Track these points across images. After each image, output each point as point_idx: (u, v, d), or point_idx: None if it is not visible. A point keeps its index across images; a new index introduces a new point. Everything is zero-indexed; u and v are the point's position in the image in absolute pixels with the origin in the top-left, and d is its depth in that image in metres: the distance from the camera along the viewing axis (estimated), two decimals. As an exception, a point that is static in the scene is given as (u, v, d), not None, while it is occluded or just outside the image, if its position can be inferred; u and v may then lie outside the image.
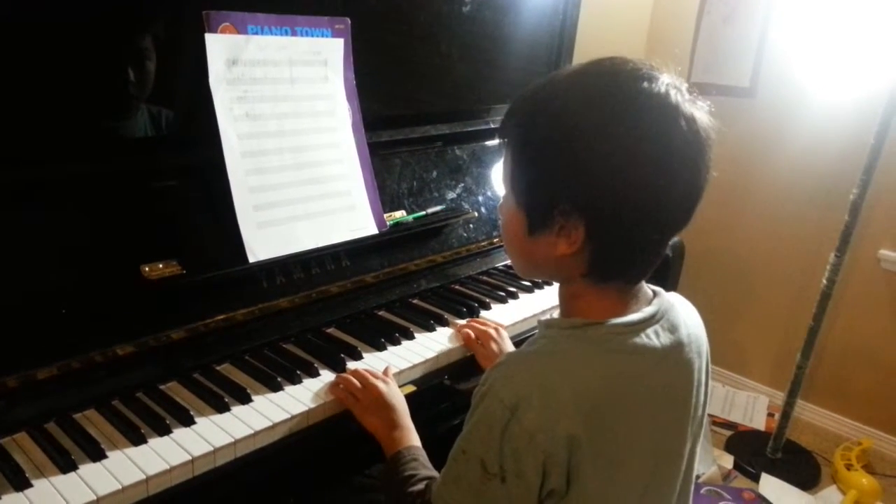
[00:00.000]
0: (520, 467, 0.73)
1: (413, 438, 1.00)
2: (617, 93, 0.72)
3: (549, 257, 0.77)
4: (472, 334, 1.25)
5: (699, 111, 0.73)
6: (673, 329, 0.81)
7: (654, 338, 0.79)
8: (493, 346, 1.22)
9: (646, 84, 0.71)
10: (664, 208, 0.73)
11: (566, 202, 0.73)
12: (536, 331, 0.83)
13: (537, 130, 0.75)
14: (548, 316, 0.86)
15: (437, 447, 0.95)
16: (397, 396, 1.05)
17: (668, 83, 0.72)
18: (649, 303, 0.82)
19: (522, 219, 0.78)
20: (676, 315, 0.83)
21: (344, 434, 1.03)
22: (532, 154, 0.76)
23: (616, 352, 0.77)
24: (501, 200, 0.84)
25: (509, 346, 1.24)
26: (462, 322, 1.30)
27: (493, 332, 1.25)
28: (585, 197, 0.72)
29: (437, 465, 0.88)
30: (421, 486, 0.89)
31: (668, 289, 0.86)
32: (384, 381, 1.06)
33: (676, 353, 0.81)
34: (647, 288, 0.84)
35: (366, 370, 1.09)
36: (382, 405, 1.02)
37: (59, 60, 1.04)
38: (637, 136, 0.70)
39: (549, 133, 0.74)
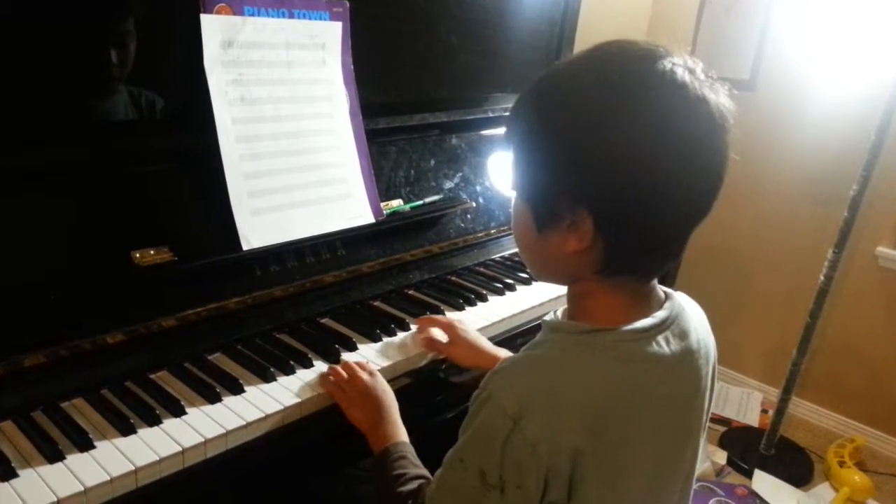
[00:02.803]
0: (521, 479, 0.70)
1: (400, 434, 0.97)
2: (623, 76, 0.68)
3: (560, 255, 0.74)
4: (431, 336, 1.17)
5: (715, 93, 0.70)
6: (683, 335, 0.78)
7: (664, 345, 0.75)
8: (466, 336, 1.15)
9: (653, 67, 0.68)
10: (678, 196, 0.69)
11: (570, 194, 0.70)
12: (539, 333, 0.80)
13: (539, 120, 0.72)
14: (550, 315, 0.82)
15: (432, 440, 0.93)
16: (383, 390, 1.02)
17: (679, 64, 0.68)
18: (661, 305, 0.78)
19: (530, 215, 0.75)
20: (687, 320, 0.79)
21: (337, 425, 1.01)
22: (534, 145, 0.73)
23: (625, 361, 0.73)
24: (513, 200, 0.80)
25: (477, 334, 1.17)
26: (457, 314, 1.27)
27: (457, 323, 1.18)
28: (590, 187, 0.69)
29: (430, 458, 0.86)
30: (412, 485, 0.87)
31: (665, 284, 0.83)
32: (369, 374, 1.03)
33: (686, 360, 0.78)
34: (659, 289, 0.80)
35: (355, 362, 1.06)
36: (367, 398, 1.00)
37: (50, 43, 1.02)
38: (643, 122, 0.66)
39: (550, 122, 0.71)
